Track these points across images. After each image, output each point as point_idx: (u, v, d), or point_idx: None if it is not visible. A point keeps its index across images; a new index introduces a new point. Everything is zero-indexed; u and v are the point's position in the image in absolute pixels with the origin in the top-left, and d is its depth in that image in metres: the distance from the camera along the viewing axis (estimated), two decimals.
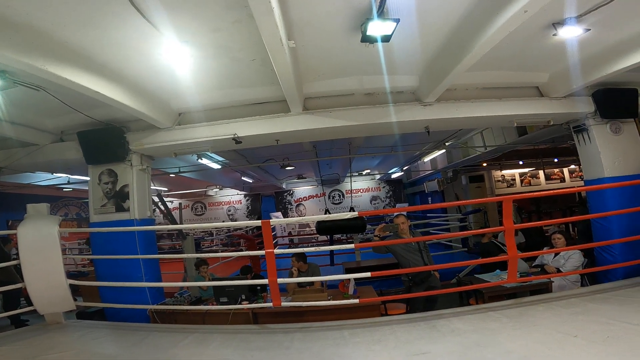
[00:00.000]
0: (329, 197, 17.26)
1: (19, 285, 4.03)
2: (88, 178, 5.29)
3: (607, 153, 5.13)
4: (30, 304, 4.07)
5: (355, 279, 4.39)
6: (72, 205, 13.41)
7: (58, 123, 5.20)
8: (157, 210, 6.90)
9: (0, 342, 3.59)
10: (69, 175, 8.08)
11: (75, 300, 4.17)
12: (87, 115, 4.66)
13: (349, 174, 12.90)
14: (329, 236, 9.56)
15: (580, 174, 9.96)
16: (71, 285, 4.09)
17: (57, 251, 3.96)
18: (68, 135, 5.37)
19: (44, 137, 5.33)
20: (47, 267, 3.92)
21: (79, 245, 11.98)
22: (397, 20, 3.05)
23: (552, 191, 4.58)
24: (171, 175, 8.35)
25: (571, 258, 4.67)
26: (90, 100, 3.80)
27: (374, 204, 17.38)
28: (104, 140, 5.02)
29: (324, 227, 7.23)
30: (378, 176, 16.83)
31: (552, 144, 8.23)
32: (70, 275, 4.12)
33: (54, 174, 7.75)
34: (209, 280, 5.12)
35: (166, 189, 13.10)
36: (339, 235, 12.20)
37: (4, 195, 7.74)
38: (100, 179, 5.17)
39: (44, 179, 8.02)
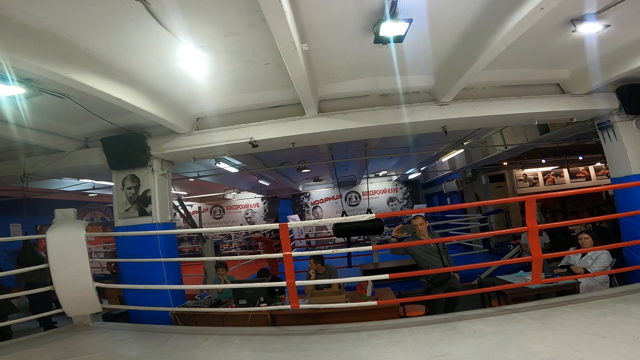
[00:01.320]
0: (345, 199, 17.21)
1: (47, 288, 4.17)
2: (112, 183, 5.46)
3: (633, 150, 4.97)
4: (59, 306, 4.20)
5: (373, 281, 4.36)
6: (97, 210, 13.85)
7: (82, 130, 5.39)
8: (178, 214, 7.04)
9: (30, 344, 3.71)
10: (94, 181, 8.34)
11: (101, 302, 4.28)
12: (109, 122, 4.81)
13: (365, 176, 12.83)
14: (346, 238, 9.52)
15: (606, 171, 9.61)
16: (97, 288, 4.21)
17: (85, 255, 4.07)
18: (92, 141, 5.56)
19: (70, 143, 5.53)
20: (75, 271, 4.04)
21: (104, 248, 12.36)
22: (410, 21, 3.03)
23: (576, 190, 4.41)
24: (190, 179, 8.51)
25: (599, 258, 4.50)
26: (113, 107, 3.93)
27: (391, 205, 17.23)
28: (127, 146, 5.17)
29: (341, 230, 7.22)
30: (395, 177, 16.67)
31: (577, 142, 7.97)
32: (96, 278, 4.23)
33: (80, 179, 8.02)
34: (225, 282, 5.18)
35: (186, 193, 13.37)
36: (356, 237, 12.13)
37: (31, 201, 8.03)
38: (123, 184, 5.33)
39: (69, 184, 8.30)
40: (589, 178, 12.64)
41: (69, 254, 4.04)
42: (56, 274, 4.02)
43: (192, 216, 8.34)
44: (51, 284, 4.09)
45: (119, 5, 2.74)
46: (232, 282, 5.03)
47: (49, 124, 4.95)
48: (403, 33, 3.17)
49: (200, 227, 12.21)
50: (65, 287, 4.06)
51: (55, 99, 3.87)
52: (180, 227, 11.19)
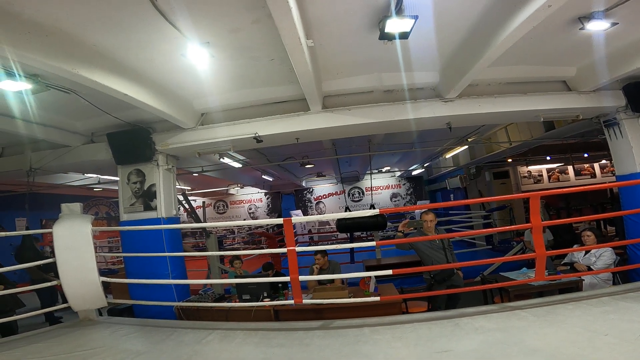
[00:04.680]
0: (348, 195, 17.22)
1: (54, 283, 4.21)
2: (117, 178, 5.50)
3: (639, 147, 4.93)
4: (65, 301, 4.25)
5: (376, 277, 4.38)
6: (102, 205, 13.94)
7: (88, 125, 5.42)
8: (182, 208, 7.09)
9: (36, 339, 3.74)
10: (99, 176, 8.40)
11: (106, 297, 4.31)
12: (115, 117, 4.84)
13: (368, 172, 12.80)
14: (349, 234, 9.56)
15: (612, 169, 9.55)
16: (103, 283, 4.24)
17: (91, 249, 4.09)
18: (98, 136, 5.60)
19: (75, 138, 5.57)
20: (81, 265, 4.06)
21: (109, 243, 12.47)
22: (416, 17, 3.02)
23: (581, 187, 4.40)
24: (194, 174, 8.54)
25: (602, 256, 4.49)
26: (118, 102, 3.95)
27: (394, 201, 17.23)
28: (132, 141, 5.20)
29: (344, 225, 7.25)
30: (398, 173, 16.64)
31: (582, 139, 7.92)
32: (101, 272, 4.28)
33: (85, 174, 8.07)
34: (241, 274, 5.21)
35: (190, 188, 13.43)
36: (359, 233, 12.15)
37: (37, 196, 8.09)
38: (129, 178, 5.37)
39: (75, 179, 8.36)
40: (594, 175, 12.58)
41: (75, 248, 4.06)
42: (62, 268, 4.05)
43: (196, 211, 8.38)
44: (51, 280, 4.12)
45: (126, 0, 2.74)
46: (246, 276, 5.08)
47: (55, 119, 4.99)
48: (408, 30, 3.16)
49: (204, 222, 12.28)
50: (71, 282, 4.09)
51: (61, 94, 3.90)
52: (184, 222, 11.27)
